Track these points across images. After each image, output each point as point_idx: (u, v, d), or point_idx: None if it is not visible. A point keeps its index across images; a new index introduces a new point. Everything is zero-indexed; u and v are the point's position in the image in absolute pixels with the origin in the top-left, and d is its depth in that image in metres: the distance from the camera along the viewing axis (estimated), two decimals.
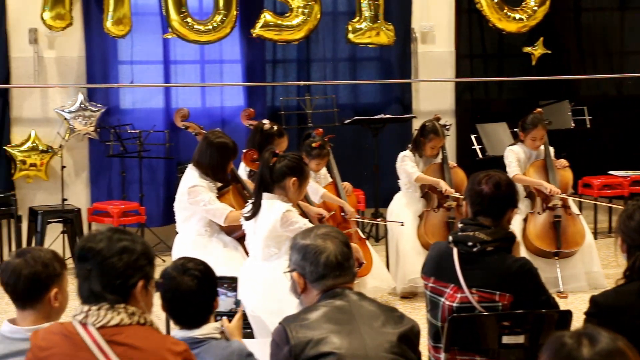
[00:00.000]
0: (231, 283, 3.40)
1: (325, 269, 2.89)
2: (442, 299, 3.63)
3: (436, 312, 3.65)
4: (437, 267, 3.70)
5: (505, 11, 9.22)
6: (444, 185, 6.99)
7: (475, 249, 3.59)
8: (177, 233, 5.62)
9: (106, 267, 2.57)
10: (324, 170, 6.77)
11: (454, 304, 3.59)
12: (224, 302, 3.33)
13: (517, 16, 9.26)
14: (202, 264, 3.18)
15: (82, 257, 2.62)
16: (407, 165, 7.07)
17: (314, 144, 6.50)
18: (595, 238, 8.67)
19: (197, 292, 3.10)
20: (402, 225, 6.84)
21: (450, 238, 3.69)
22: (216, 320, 3.21)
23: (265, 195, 4.62)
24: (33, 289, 2.96)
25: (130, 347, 2.52)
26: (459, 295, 3.59)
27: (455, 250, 3.63)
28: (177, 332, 3.10)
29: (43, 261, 2.98)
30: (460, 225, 3.72)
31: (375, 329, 2.82)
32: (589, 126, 9.25)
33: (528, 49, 9.47)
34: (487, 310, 3.54)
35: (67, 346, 2.56)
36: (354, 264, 2.96)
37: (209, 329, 3.10)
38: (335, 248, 2.92)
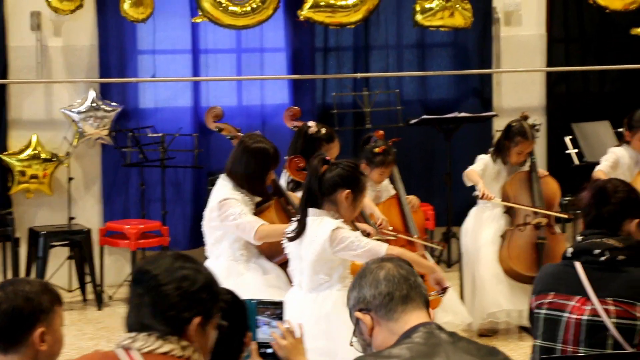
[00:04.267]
0: (275, 309, 3.42)
1: (389, 285, 2.87)
2: (566, 314, 3.68)
3: (555, 333, 3.69)
4: (556, 282, 3.77)
5: None
6: (482, 187, 6.93)
7: (603, 258, 3.65)
8: (206, 258, 5.67)
9: (160, 294, 2.67)
10: (385, 182, 6.79)
11: (584, 317, 3.64)
12: (265, 335, 3.37)
13: None
14: (228, 293, 3.17)
15: (136, 280, 2.73)
16: (474, 164, 7.07)
17: (376, 150, 6.51)
18: None
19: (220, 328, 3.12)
20: (443, 248, 6.85)
21: (570, 250, 3.77)
22: (260, 355, 3.25)
23: (311, 211, 4.65)
24: (13, 327, 2.95)
25: None
26: (588, 308, 3.64)
27: (577, 264, 3.70)
28: None
29: (26, 294, 2.97)
30: (579, 238, 3.80)
31: None
32: None
33: (637, 31, 9.40)
34: (623, 330, 3.59)
35: None
36: (423, 285, 2.95)
37: None
38: (394, 265, 2.95)
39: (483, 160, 7.15)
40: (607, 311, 3.61)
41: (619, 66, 9.51)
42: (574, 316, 3.66)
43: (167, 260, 2.72)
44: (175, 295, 2.67)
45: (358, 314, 2.91)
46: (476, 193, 6.96)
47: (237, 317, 3.15)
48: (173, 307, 2.67)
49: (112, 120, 8.62)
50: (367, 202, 6.42)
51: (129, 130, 8.52)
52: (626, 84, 9.63)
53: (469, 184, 7.11)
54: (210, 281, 2.75)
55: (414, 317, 2.85)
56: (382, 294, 2.87)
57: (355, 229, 5.10)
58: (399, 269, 2.91)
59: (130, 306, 2.73)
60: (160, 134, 8.53)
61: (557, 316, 3.70)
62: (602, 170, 6.97)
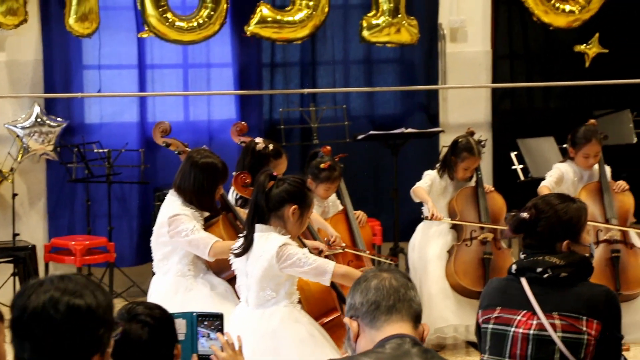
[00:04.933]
0: (214, 321, 3.43)
1: (377, 294, 2.92)
2: (512, 328, 3.72)
3: (502, 348, 3.72)
4: (502, 296, 3.79)
5: (552, 2, 9.28)
6: (431, 207, 7.00)
7: (546, 275, 3.69)
8: (154, 274, 5.66)
9: (40, 335, 2.29)
10: (333, 197, 6.82)
11: (530, 331, 3.67)
12: (204, 348, 3.38)
13: (568, 8, 9.31)
14: (157, 308, 3.17)
15: (16, 319, 2.35)
16: (423, 179, 7.12)
17: (322, 165, 6.54)
18: None
19: (148, 343, 3.08)
20: (393, 263, 6.93)
21: (514, 267, 3.79)
22: None
23: (258, 227, 4.65)
24: None
25: None
26: (534, 322, 3.68)
27: (523, 279, 3.73)
28: None
29: None
30: (522, 255, 3.83)
31: None
32: None
33: (581, 48, 9.52)
34: (570, 344, 3.62)
35: None
36: (416, 299, 2.95)
37: None
38: (389, 275, 2.97)
39: (429, 176, 7.20)
40: (553, 325, 3.65)
41: (563, 83, 9.61)
42: (521, 330, 3.70)
43: (45, 287, 2.32)
44: (63, 338, 2.30)
45: (346, 320, 2.98)
46: (425, 214, 7.02)
47: (165, 331, 3.15)
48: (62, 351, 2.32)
49: (57, 135, 8.56)
50: (318, 218, 6.45)
51: (74, 146, 8.47)
52: (570, 101, 9.74)
53: (417, 200, 7.16)
54: (104, 306, 2.36)
55: (395, 328, 2.89)
56: (369, 302, 2.91)
57: (303, 245, 5.12)
58: (392, 279, 2.94)
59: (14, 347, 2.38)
60: (106, 150, 8.49)
61: (504, 331, 3.73)
62: (546, 186, 7.06)
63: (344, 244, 6.45)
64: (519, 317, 3.71)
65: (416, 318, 2.93)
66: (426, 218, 7.04)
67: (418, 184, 7.14)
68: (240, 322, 4.74)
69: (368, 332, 2.92)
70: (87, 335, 2.33)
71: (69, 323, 2.31)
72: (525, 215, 3.79)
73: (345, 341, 3.02)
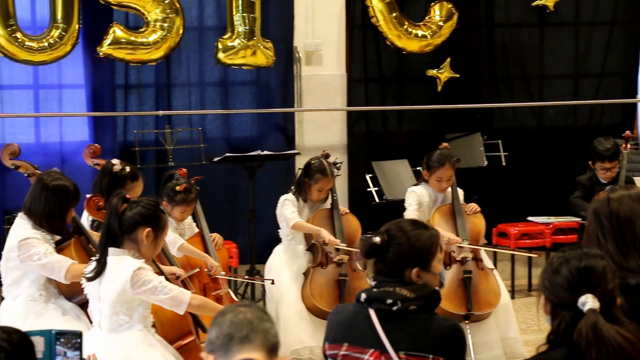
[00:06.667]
0: (71, 339, 3.38)
1: (231, 327, 2.94)
2: None
3: None
4: (349, 331, 3.76)
5: (405, 27, 9.46)
6: (326, 235, 7.09)
7: (395, 308, 3.68)
8: (2, 299, 5.56)
9: None
10: (189, 219, 6.79)
11: None
12: None
13: (420, 33, 9.51)
14: (16, 332, 3.09)
15: None
16: (287, 210, 7.16)
17: (178, 188, 6.52)
18: (513, 297, 8.95)
19: None
20: (272, 283, 7.01)
21: (363, 296, 3.76)
22: None
23: (112, 250, 4.61)
24: None
25: None
26: None
27: (372, 311, 3.72)
28: None
29: None
30: (373, 283, 3.81)
31: None
32: (504, 164, 9.54)
33: (433, 72, 9.73)
34: None
35: None
36: (272, 331, 2.97)
37: None
38: (245, 308, 2.98)
39: (290, 201, 7.20)
40: None
41: (417, 106, 9.79)
42: None
43: None
44: None
45: (203, 354, 2.99)
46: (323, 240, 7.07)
47: (23, 357, 3.07)
48: None
49: None
50: (194, 249, 6.43)
51: None
52: (423, 124, 9.92)
53: (303, 232, 7.18)
54: None
55: (245, 355, 2.92)
56: (224, 334, 2.94)
57: (159, 270, 5.09)
58: (248, 313, 2.97)
59: None
60: None
61: None
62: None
63: (223, 273, 6.52)
64: (366, 357, 3.71)
65: (271, 349, 2.97)
66: (324, 244, 7.09)
67: (292, 217, 7.12)
68: (93, 346, 4.67)
69: None
70: None
71: None
72: (377, 240, 3.79)
73: None
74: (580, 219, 7.63)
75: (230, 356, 2.93)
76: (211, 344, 2.97)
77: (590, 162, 7.79)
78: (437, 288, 3.83)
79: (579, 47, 10.19)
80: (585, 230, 4.04)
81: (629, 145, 7.84)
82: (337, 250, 7.18)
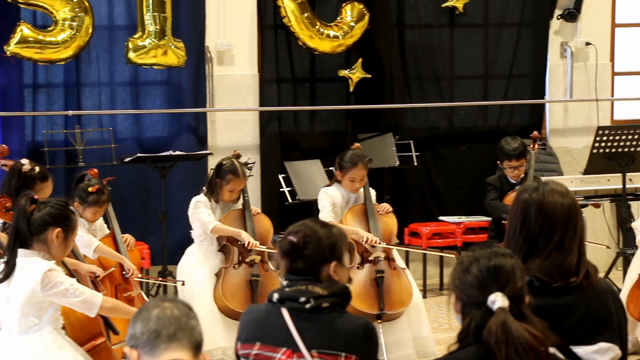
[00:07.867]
0: None
1: (158, 323, 2.91)
2: None
3: None
4: (262, 330, 3.78)
5: (317, 27, 9.49)
6: (246, 237, 7.11)
7: (308, 305, 3.70)
8: None
9: None
10: (100, 221, 6.75)
11: None
12: None
13: (332, 33, 9.55)
14: None
15: None
16: (202, 213, 7.14)
17: (90, 189, 6.50)
18: (425, 296, 9.05)
19: None
20: (183, 284, 7.01)
21: (275, 296, 3.78)
22: None
23: (21, 252, 4.56)
24: None
25: None
26: None
27: (284, 310, 3.73)
28: None
29: None
30: (285, 282, 3.82)
31: None
32: (416, 164, 9.63)
33: (345, 73, 9.78)
34: None
35: None
36: (198, 329, 2.95)
37: None
38: (171, 304, 2.96)
39: (202, 203, 7.18)
40: None
41: (329, 107, 9.83)
42: None
43: None
44: None
45: (126, 349, 2.96)
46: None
47: None
48: None
49: None
50: (111, 251, 6.41)
51: None
52: (335, 124, 9.95)
53: (223, 235, 7.17)
54: None
55: (174, 355, 2.89)
56: (150, 330, 2.91)
57: (69, 272, 5.04)
58: (174, 309, 2.95)
59: None
60: None
61: None
62: (330, 220, 7.16)
63: (140, 275, 6.55)
64: (278, 355, 3.72)
65: (196, 347, 2.95)
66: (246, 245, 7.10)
67: (209, 220, 7.11)
68: (2, 349, 4.62)
69: None
70: None
71: None
72: (293, 238, 3.83)
73: None
74: (503, 220, 7.64)
75: (157, 353, 2.91)
76: (135, 339, 2.94)
77: (498, 162, 7.92)
78: (347, 284, 3.87)
79: (488, 49, 10.32)
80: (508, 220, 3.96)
81: (536, 146, 7.99)
82: (249, 250, 7.18)
